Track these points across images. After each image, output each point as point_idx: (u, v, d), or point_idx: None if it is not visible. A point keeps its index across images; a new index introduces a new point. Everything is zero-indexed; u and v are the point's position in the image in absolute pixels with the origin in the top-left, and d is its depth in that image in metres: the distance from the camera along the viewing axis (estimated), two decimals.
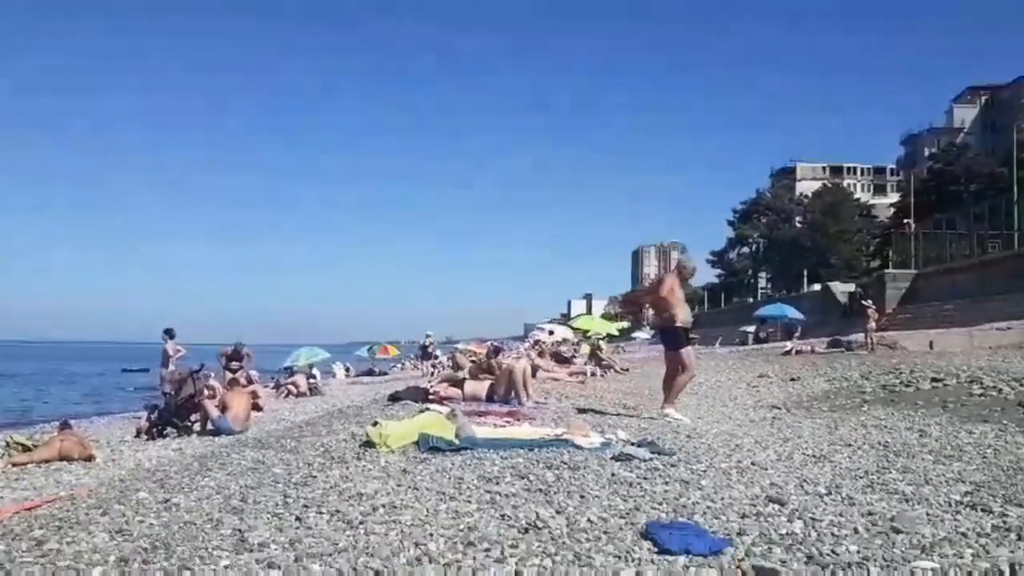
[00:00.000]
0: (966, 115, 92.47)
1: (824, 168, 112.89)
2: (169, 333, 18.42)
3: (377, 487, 4.89)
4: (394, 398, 11.06)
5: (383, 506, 4.36)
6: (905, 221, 53.51)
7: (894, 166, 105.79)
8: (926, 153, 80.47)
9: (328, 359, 31.61)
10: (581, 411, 9.94)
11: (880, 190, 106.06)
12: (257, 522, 4.17)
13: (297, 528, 3.99)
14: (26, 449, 9.35)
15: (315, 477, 5.40)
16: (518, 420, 8.72)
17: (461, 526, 3.90)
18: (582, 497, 4.52)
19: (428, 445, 6.28)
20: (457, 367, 13.67)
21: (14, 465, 8.63)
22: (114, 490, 5.64)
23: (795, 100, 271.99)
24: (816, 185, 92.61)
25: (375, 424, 6.98)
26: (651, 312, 11.18)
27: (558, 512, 4.15)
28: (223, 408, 11.53)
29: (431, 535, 3.73)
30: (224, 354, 20.19)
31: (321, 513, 4.27)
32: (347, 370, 37.72)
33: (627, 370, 21.69)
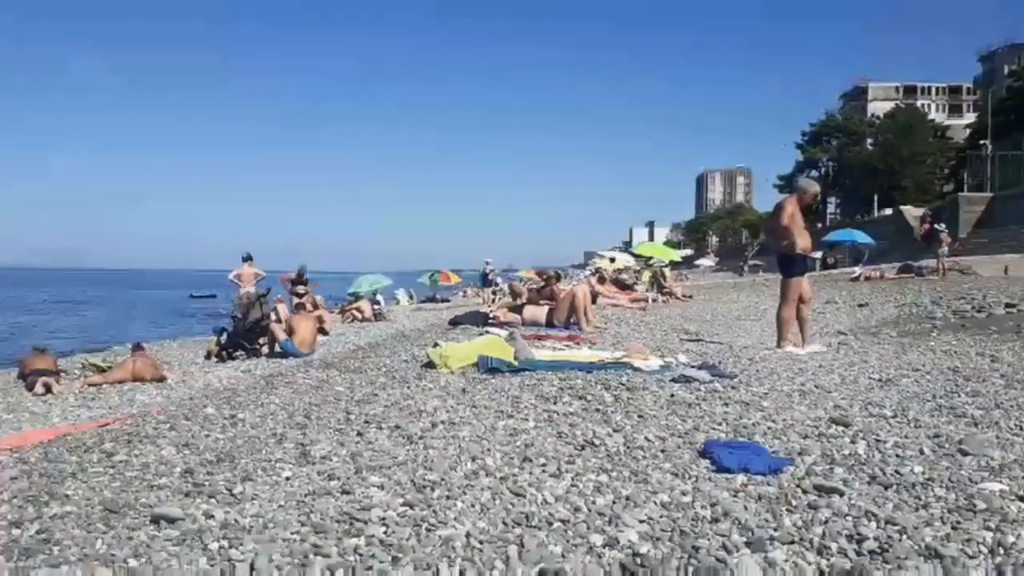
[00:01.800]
0: None
1: (897, 88, 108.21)
2: (248, 258, 18.71)
3: (436, 405, 4.95)
4: (455, 322, 11.16)
5: (442, 423, 4.42)
6: (981, 142, 51.31)
7: (971, 85, 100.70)
8: (1005, 71, 76.16)
9: (391, 286, 31.93)
10: (641, 336, 9.90)
11: (956, 110, 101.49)
12: (319, 436, 4.27)
13: (358, 443, 4.07)
14: (101, 370, 9.69)
15: (377, 395, 5.50)
16: (577, 344, 8.73)
17: (518, 443, 3.93)
18: (640, 417, 4.51)
19: (487, 366, 6.33)
20: (515, 296, 13.68)
21: (90, 385, 8.97)
22: (183, 407, 5.82)
23: (869, 18, 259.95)
24: (888, 106, 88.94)
25: (435, 346, 7.06)
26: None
27: (615, 431, 4.15)
28: (290, 331, 11.76)
29: (488, 451, 3.77)
30: (288, 279, 20.49)
31: (381, 429, 4.35)
32: (410, 296, 38.12)
33: (690, 297, 21.48)
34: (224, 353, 12.03)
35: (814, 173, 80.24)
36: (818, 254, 45.74)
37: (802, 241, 8.39)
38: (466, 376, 6.15)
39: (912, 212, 46.45)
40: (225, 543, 2.72)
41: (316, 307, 17.88)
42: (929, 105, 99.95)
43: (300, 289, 19.93)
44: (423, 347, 7.82)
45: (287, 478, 3.49)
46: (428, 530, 2.78)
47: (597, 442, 3.89)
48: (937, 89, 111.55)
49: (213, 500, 3.22)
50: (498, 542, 2.65)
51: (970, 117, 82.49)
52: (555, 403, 4.96)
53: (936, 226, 27.16)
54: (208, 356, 12.21)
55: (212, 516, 3.00)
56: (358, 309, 21.79)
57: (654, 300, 19.16)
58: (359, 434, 4.27)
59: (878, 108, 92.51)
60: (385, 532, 2.77)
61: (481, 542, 2.65)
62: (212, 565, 2.57)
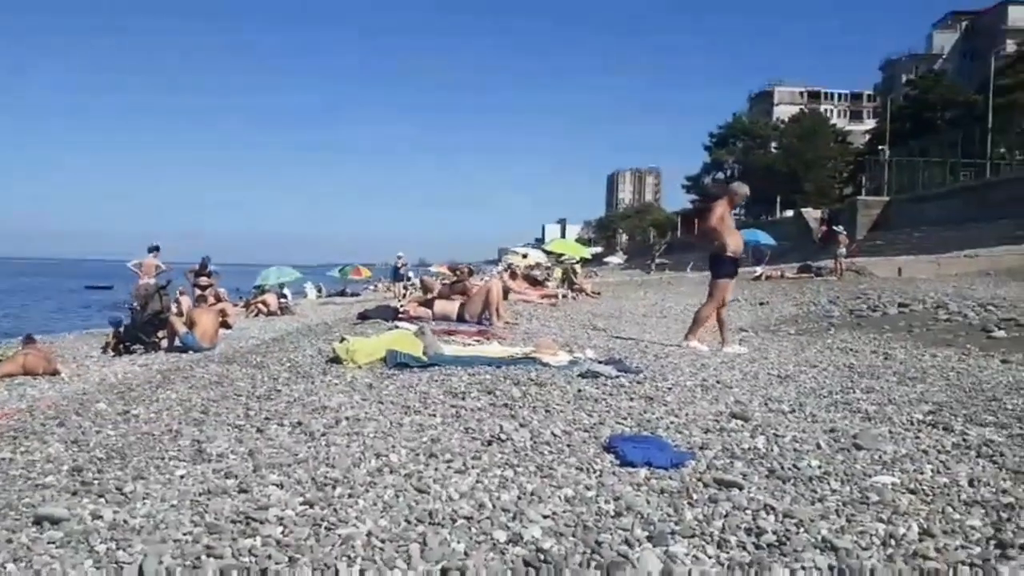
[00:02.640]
0: (945, 41, 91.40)
1: (802, 93, 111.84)
2: (155, 248, 18.05)
3: (341, 400, 4.85)
4: (363, 316, 10.99)
5: (346, 419, 4.33)
6: (880, 148, 53.50)
7: (871, 92, 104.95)
8: (903, 79, 79.65)
9: (299, 279, 31.33)
10: (551, 331, 9.95)
11: (857, 116, 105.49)
12: (217, 433, 4.13)
13: (257, 439, 3.95)
14: None
15: (279, 391, 5.36)
16: (487, 339, 8.70)
17: (424, 438, 3.88)
18: (547, 412, 4.51)
19: (395, 361, 6.24)
20: (426, 290, 13.56)
21: None
22: (74, 402, 5.57)
23: (777, 23, 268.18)
24: (794, 110, 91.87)
25: (342, 340, 6.93)
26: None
27: (522, 426, 4.13)
28: (190, 324, 11.41)
29: (393, 447, 3.70)
30: (192, 270, 19.90)
31: (283, 425, 4.24)
32: (319, 290, 37.51)
33: (599, 294, 21.71)
34: (121, 346, 11.59)
35: (720, 175, 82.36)
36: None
37: (732, 243, 8.56)
38: (373, 371, 6.05)
39: (812, 214, 48.12)
40: (113, 545, 2.60)
41: (219, 300, 17.41)
42: (831, 110, 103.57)
43: (203, 281, 19.38)
44: (330, 342, 7.66)
45: (181, 476, 3.35)
46: (328, 529, 2.71)
47: (504, 437, 3.87)
48: (840, 95, 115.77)
49: (102, 500, 3.07)
50: (400, 540, 2.60)
51: (870, 123, 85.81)
52: (463, 398, 4.92)
53: (834, 228, 28.20)
54: (105, 349, 11.75)
55: (100, 516, 2.86)
56: (264, 302, 21.33)
57: (564, 296, 19.29)
58: (259, 431, 4.14)
59: (783, 112, 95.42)
60: (283, 532, 2.69)
61: (382, 541, 2.59)
62: (98, 568, 2.44)
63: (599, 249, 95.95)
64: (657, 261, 54.94)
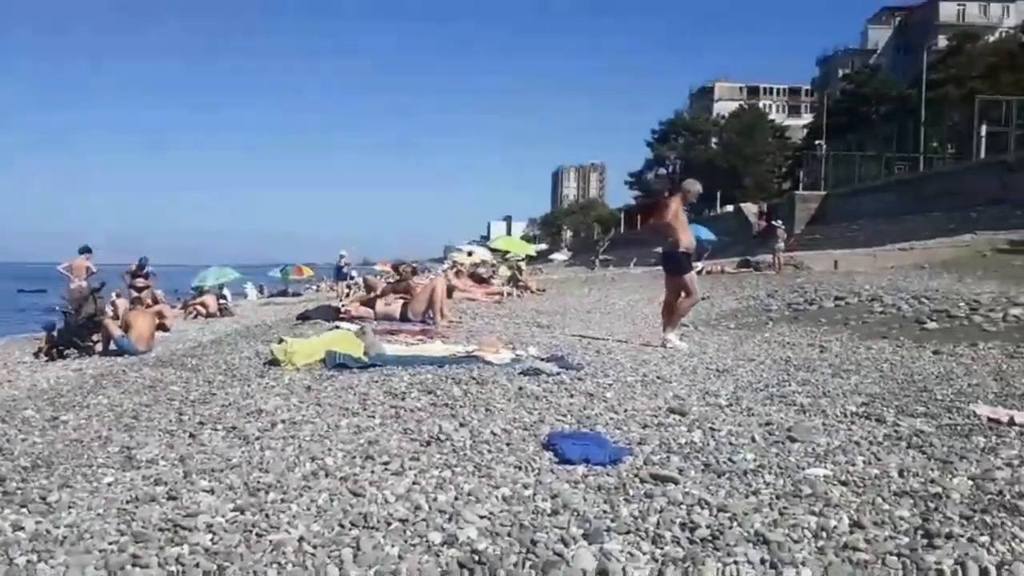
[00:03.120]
0: (880, 36, 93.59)
1: (741, 89, 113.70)
2: (86, 250, 17.54)
3: (278, 404, 4.77)
4: (304, 317, 10.85)
5: (282, 422, 4.26)
6: (817, 142, 54.51)
7: (809, 87, 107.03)
8: (840, 74, 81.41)
9: (239, 279, 30.81)
10: (495, 329, 9.94)
11: (795, 111, 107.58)
12: (148, 439, 4.03)
13: (189, 445, 3.87)
14: None
15: (214, 395, 5.26)
16: (430, 338, 8.66)
17: (361, 440, 3.83)
18: (487, 411, 4.50)
19: (335, 362, 6.17)
20: (369, 289, 13.43)
21: None
22: (1, 410, 5.37)
23: (717, 20, 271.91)
24: (733, 106, 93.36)
25: (280, 342, 6.82)
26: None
27: (462, 425, 4.11)
28: (126, 327, 11.10)
29: (329, 450, 3.65)
30: (128, 272, 19.41)
31: (216, 430, 4.15)
32: (260, 291, 36.96)
33: (544, 290, 21.75)
34: (55, 351, 11.25)
35: (662, 171, 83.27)
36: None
37: (685, 238, 8.69)
38: (312, 373, 5.97)
39: (751, 209, 48.87)
40: (34, 556, 2.52)
41: (156, 302, 17.00)
42: (770, 105, 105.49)
43: (139, 282, 18.89)
44: (268, 343, 7.53)
45: (109, 484, 3.26)
46: (259, 536, 2.65)
47: (443, 437, 3.85)
48: (778, 90, 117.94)
49: (24, 510, 2.97)
50: (332, 545, 2.55)
51: (807, 118, 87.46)
52: (403, 399, 4.88)
53: (773, 222, 28.69)
54: (37, 354, 11.38)
55: (22, 527, 2.76)
56: (202, 304, 20.91)
57: (509, 294, 19.31)
58: (191, 436, 4.05)
59: (723, 108, 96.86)
60: (212, 539, 2.63)
61: (314, 546, 2.55)
62: None
63: (544, 246, 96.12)
64: (601, 257, 55.23)
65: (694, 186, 9.03)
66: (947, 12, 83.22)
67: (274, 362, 6.43)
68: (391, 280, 14.96)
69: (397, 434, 3.96)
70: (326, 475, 3.29)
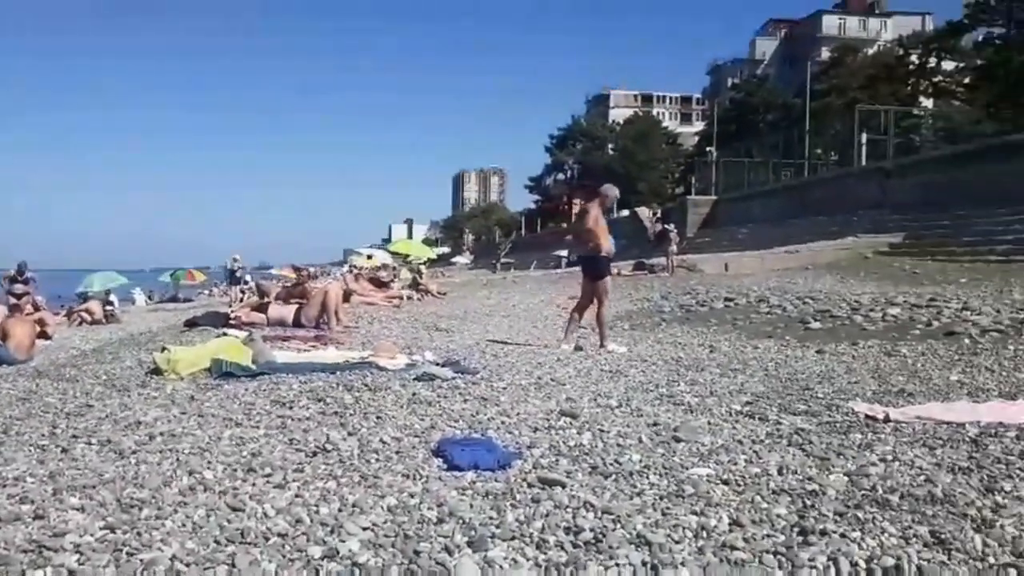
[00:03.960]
0: (767, 47, 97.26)
1: (636, 96, 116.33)
2: None
3: (158, 415, 4.58)
4: (191, 324, 10.47)
5: (161, 434, 4.08)
6: (708, 149, 56.23)
7: (700, 96, 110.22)
8: (729, 83, 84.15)
9: (127, 284, 29.70)
10: (392, 334, 9.84)
11: (687, 119, 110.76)
12: (16, 455, 3.80)
13: (61, 460, 3.66)
14: None
15: (91, 407, 5.00)
16: (324, 344, 8.49)
17: (244, 452, 3.70)
18: (378, 418, 4.43)
19: (221, 371, 5.97)
20: (262, 294, 13.06)
21: None
22: None
23: (613, 27, 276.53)
24: (628, 113, 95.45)
25: (163, 350, 6.56)
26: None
27: (350, 434, 4.03)
28: (3, 336, 10.51)
29: (209, 463, 3.52)
30: (6, 277, 18.45)
31: (91, 444, 3.94)
32: (149, 296, 35.65)
33: (445, 294, 21.66)
34: None
35: (560, 175, 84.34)
36: (564, 252, 48.11)
37: (605, 243, 8.76)
38: (197, 383, 5.75)
39: (646, 213, 49.96)
40: None
41: (37, 308, 16.21)
42: (663, 113, 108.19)
43: (18, 288, 18.01)
44: (152, 351, 7.24)
45: None
46: (129, 555, 2.53)
47: (330, 447, 3.75)
48: (670, 99, 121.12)
49: None
50: (207, 563, 2.45)
51: (699, 125, 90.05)
52: (291, 408, 4.75)
53: (666, 226, 29.34)
54: None
55: None
56: (87, 310, 20.00)
57: (409, 298, 19.16)
58: (63, 451, 3.84)
59: (618, 115, 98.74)
60: (79, 560, 2.49)
61: (187, 564, 2.44)
62: None
63: (446, 249, 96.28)
64: (502, 260, 55.54)
65: (612, 191, 9.15)
66: (829, 25, 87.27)
67: (157, 371, 6.18)
68: (287, 284, 14.62)
69: (282, 445, 3.85)
70: (204, 489, 3.16)
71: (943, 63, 51.84)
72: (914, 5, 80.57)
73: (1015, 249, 18.59)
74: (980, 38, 47.79)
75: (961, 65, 51.18)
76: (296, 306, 10.76)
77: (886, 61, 56.28)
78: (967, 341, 8.10)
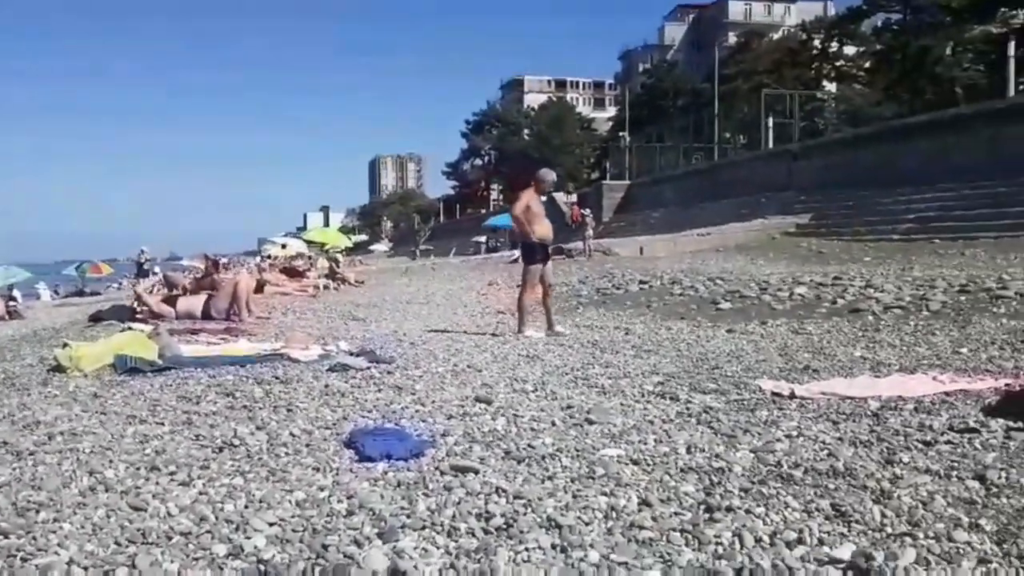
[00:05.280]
0: (676, 33, 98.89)
1: (549, 82, 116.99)
2: None
3: (59, 414, 4.41)
4: (96, 318, 10.10)
5: (61, 434, 3.93)
6: (621, 134, 56.96)
7: (612, 81, 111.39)
8: (640, 69, 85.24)
9: (30, 279, 28.47)
10: (307, 325, 9.68)
11: (600, 104, 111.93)
12: None
13: None
14: None
15: None
16: (235, 337, 8.31)
17: (147, 450, 3.60)
18: (289, 411, 4.35)
19: (126, 366, 5.78)
20: (171, 286, 12.67)
21: None
22: None
23: (526, 11, 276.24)
24: (543, 98, 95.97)
25: (65, 347, 6.31)
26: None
27: (259, 428, 3.95)
28: None
29: (111, 462, 3.40)
30: None
31: None
32: (55, 291, 34.27)
33: (362, 282, 21.43)
34: None
35: (478, 161, 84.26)
36: (483, 239, 48.19)
37: (539, 229, 8.53)
38: (101, 379, 5.56)
39: (563, 199, 50.42)
40: None
41: None
42: (577, 99, 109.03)
43: None
44: (55, 348, 6.96)
45: None
46: (24, 560, 2.43)
47: (237, 442, 3.67)
48: (584, 84, 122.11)
49: None
50: (106, 565, 2.37)
51: (612, 111, 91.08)
52: (198, 403, 4.64)
53: (583, 211, 29.64)
54: None
55: None
56: None
57: (325, 287, 18.89)
58: None
59: (533, 100, 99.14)
60: None
61: (85, 568, 2.36)
62: None
63: (364, 237, 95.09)
64: (422, 247, 55.34)
65: (548, 176, 8.71)
66: (736, 11, 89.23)
67: (59, 368, 5.94)
68: (198, 276, 14.23)
69: (188, 441, 3.75)
70: (105, 490, 3.06)
71: (844, 48, 53.69)
72: None
73: (916, 228, 19.41)
74: (879, 24, 49.59)
75: (862, 50, 53.05)
76: (205, 297, 10.49)
77: (790, 46, 57.89)
78: (870, 318, 8.40)
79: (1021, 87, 28.59)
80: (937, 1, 43.18)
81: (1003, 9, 40.51)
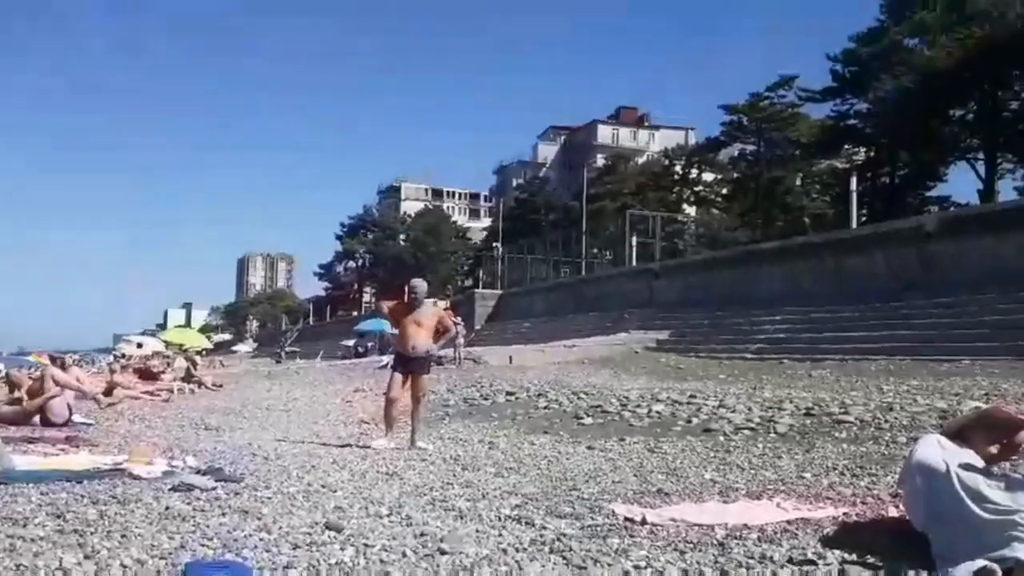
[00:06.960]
0: (548, 151, 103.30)
1: (427, 190, 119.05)
2: None
3: None
4: None
5: None
6: (494, 245, 58.30)
7: (487, 193, 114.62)
8: (514, 183, 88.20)
9: None
10: (154, 435, 9.21)
11: (475, 214, 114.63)
12: None
13: None
14: None
15: None
16: (76, 447, 7.81)
17: None
18: (123, 537, 4.08)
19: None
20: (12, 387, 11.86)
21: None
22: None
23: (405, 119, 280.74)
24: (419, 205, 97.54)
25: None
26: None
27: (87, 557, 3.68)
28: None
29: None
30: None
31: None
32: None
33: (221, 386, 20.63)
34: None
35: (352, 264, 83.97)
36: (351, 342, 47.47)
37: (402, 340, 8.82)
38: None
39: (439, 305, 50.72)
40: None
41: None
42: (453, 208, 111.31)
43: None
44: None
45: None
46: None
47: (60, 575, 3.41)
48: (460, 194, 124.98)
49: None
50: None
51: (486, 221, 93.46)
52: (25, 526, 4.29)
53: (455, 319, 29.83)
54: None
55: None
56: None
57: (181, 390, 18.09)
58: None
59: (410, 207, 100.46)
60: None
61: None
62: None
63: (227, 336, 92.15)
64: (288, 349, 53.86)
65: (420, 285, 9.07)
66: (604, 134, 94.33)
67: None
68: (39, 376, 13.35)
69: (10, 573, 3.45)
70: None
71: (704, 174, 57.40)
72: (679, 120, 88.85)
73: (767, 348, 20.42)
74: (736, 153, 53.40)
75: (720, 177, 56.86)
76: (46, 400, 9.84)
77: (654, 170, 61.43)
78: (722, 438, 8.70)
79: (863, 219, 31.11)
80: (788, 135, 47.01)
81: (847, 146, 44.45)
